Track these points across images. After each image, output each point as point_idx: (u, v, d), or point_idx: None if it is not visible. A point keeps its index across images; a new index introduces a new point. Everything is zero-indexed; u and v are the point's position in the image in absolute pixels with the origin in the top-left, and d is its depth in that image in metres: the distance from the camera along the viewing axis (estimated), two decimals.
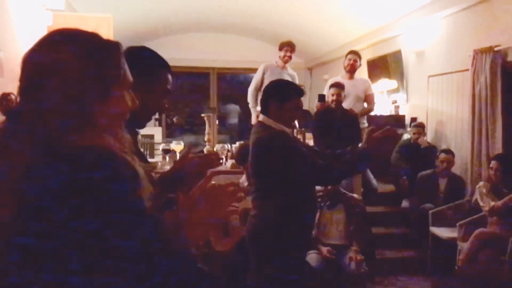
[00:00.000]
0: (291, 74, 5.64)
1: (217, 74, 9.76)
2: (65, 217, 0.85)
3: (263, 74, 5.49)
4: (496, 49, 4.15)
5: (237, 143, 5.37)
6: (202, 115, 5.56)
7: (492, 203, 3.75)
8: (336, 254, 3.53)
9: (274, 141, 2.35)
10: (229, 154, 5.05)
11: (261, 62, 9.04)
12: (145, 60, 1.52)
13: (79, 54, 0.95)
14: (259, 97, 5.61)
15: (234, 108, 10.69)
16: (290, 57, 5.45)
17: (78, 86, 0.93)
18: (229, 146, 5.31)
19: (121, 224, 0.88)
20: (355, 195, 4.11)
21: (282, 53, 5.43)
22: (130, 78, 1.05)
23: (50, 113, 0.92)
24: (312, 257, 3.49)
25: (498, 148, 4.20)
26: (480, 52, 4.29)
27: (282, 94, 2.43)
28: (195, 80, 10.35)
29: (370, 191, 4.88)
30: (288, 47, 5.43)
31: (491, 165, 3.92)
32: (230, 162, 4.83)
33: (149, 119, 1.59)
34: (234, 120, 10.67)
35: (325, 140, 4.73)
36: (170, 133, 9.63)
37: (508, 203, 3.66)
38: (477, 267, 3.58)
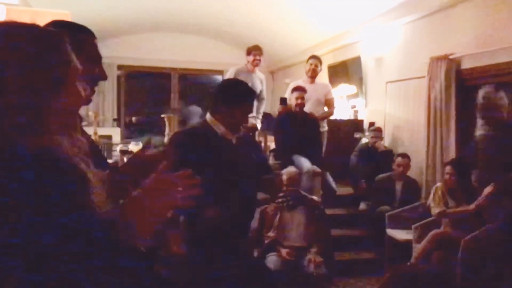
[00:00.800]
0: (260, 77, 5.69)
1: (179, 75, 9.65)
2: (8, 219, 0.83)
3: (234, 78, 5.49)
4: (451, 57, 4.31)
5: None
6: (162, 115, 5.48)
7: (440, 209, 3.89)
8: (295, 256, 3.55)
9: (176, 139, 2.35)
10: None
11: (223, 63, 9.09)
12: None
13: (22, 49, 0.90)
14: None
15: (195, 109, 10.59)
16: (259, 61, 5.51)
17: (25, 82, 0.89)
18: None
19: (65, 227, 0.85)
20: (315, 198, 4.15)
21: (251, 57, 5.47)
22: (79, 66, 1.00)
23: (3, 113, 0.88)
24: (271, 259, 3.50)
25: (452, 153, 4.35)
26: (436, 60, 4.44)
27: (234, 98, 2.34)
28: (156, 80, 10.19)
29: (330, 194, 4.96)
30: (257, 51, 5.48)
31: (446, 170, 4.04)
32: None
33: (92, 93, 1.47)
34: (195, 121, 10.54)
35: (285, 143, 4.76)
36: (128, 134, 9.42)
37: (463, 212, 3.80)
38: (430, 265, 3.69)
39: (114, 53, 8.11)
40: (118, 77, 9.27)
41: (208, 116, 2.39)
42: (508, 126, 4.14)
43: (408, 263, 3.94)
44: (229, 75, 5.57)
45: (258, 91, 5.63)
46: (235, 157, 2.35)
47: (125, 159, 4.61)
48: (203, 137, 2.30)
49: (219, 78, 10.03)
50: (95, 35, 1.51)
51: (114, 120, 8.88)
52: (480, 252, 3.58)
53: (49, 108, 0.92)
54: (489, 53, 3.93)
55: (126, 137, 8.74)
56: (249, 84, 5.71)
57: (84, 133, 1.59)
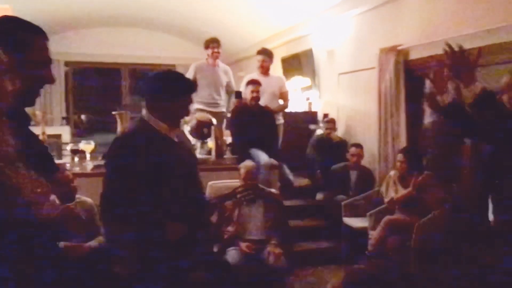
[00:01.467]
0: (225, 69, 5.64)
1: (129, 70, 9.41)
2: None
3: (195, 73, 5.41)
4: (399, 48, 4.43)
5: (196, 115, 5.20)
6: (114, 113, 5.31)
7: (391, 196, 4.04)
8: (255, 249, 3.55)
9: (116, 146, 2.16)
10: None
11: (175, 58, 8.95)
12: (11, 31, 1.35)
13: None
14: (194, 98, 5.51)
15: None
16: (218, 53, 5.47)
17: None
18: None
19: None
20: (273, 190, 4.17)
21: (209, 51, 5.43)
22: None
23: None
24: (231, 254, 3.48)
25: (402, 141, 4.49)
26: (385, 51, 4.56)
27: (171, 90, 2.18)
28: (106, 76, 9.89)
29: (287, 186, 4.99)
30: (214, 43, 5.43)
31: (397, 158, 4.17)
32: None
33: (36, 95, 1.42)
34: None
35: (242, 137, 4.75)
36: (79, 133, 9.11)
37: (405, 196, 3.97)
38: (385, 253, 3.80)
39: (61, 49, 7.79)
40: (66, 74, 8.93)
41: (145, 113, 2.23)
42: None
43: (366, 252, 4.05)
44: (190, 71, 5.48)
45: (224, 83, 5.58)
46: (181, 156, 2.24)
47: (76, 159, 4.45)
48: (146, 139, 2.12)
49: None
50: (46, 36, 1.43)
51: (63, 118, 8.54)
52: (430, 237, 3.74)
53: None
54: (435, 44, 4.07)
55: (77, 135, 8.45)
56: (212, 77, 5.66)
57: (30, 134, 1.51)
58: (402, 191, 4.04)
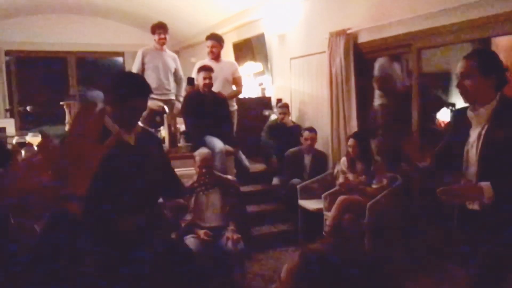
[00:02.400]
0: (172, 56, 5.55)
1: (77, 58, 9.06)
2: None
3: (143, 59, 5.32)
4: (348, 32, 4.51)
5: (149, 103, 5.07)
6: (61, 103, 5.12)
7: (341, 180, 4.22)
8: (213, 236, 3.56)
9: None
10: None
11: (124, 45, 8.70)
12: None
13: None
14: None
15: (97, 94, 10.06)
16: (165, 39, 5.39)
17: None
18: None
19: None
20: (229, 177, 4.18)
21: (156, 36, 5.35)
22: None
23: None
24: (190, 241, 3.48)
25: (353, 125, 4.60)
26: (335, 35, 4.63)
27: (121, 92, 2.12)
28: (51, 65, 9.47)
29: (243, 172, 5.02)
30: (160, 29, 5.34)
31: (348, 143, 4.27)
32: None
33: None
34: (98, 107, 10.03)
35: (196, 124, 4.71)
36: (24, 125, 8.71)
37: (354, 183, 4.15)
38: (341, 233, 3.92)
39: (1, 37, 7.38)
40: (7, 64, 8.47)
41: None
42: (401, 95, 4.48)
43: (323, 233, 4.15)
44: (137, 57, 5.38)
45: (172, 69, 5.49)
46: (134, 161, 2.17)
47: (24, 152, 4.26)
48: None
49: (120, 60, 9.60)
50: None
51: (7, 110, 8.13)
52: (382, 215, 3.89)
53: None
54: (382, 27, 4.18)
55: (22, 128, 8.07)
56: (159, 63, 5.54)
57: None
58: (351, 177, 4.18)
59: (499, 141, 2.10)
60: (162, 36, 5.35)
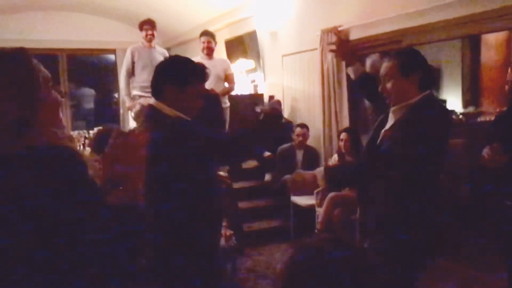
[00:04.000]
0: (162, 52, 5.53)
1: (67, 56, 9.00)
2: (42, 203, 0.99)
3: (132, 57, 5.31)
4: (339, 28, 4.53)
5: (95, 129, 5.06)
6: None
7: None
8: None
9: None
10: (87, 141, 4.74)
11: (115, 42, 8.66)
12: None
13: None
14: (132, 83, 5.35)
15: (88, 92, 10.01)
16: (152, 35, 5.36)
17: (6, 105, 1.03)
18: (86, 132, 4.98)
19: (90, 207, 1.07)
20: (221, 173, 4.19)
21: (143, 33, 5.32)
22: (48, 75, 1.15)
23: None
24: None
25: (345, 120, 4.63)
26: (326, 32, 4.65)
27: (182, 76, 1.98)
28: (42, 62, 9.38)
29: (235, 168, 5.03)
30: (147, 25, 5.32)
31: (341, 137, 4.30)
32: (88, 149, 4.53)
33: None
34: (89, 105, 10.00)
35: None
36: None
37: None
38: (333, 229, 3.95)
39: None
40: None
41: (154, 101, 2.01)
42: None
43: (316, 230, 4.18)
44: (126, 55, 5.36)
45: None
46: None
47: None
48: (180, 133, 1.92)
49: (111, 57, 9.56)
50: None
51: None
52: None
53: (35, 115, 1.06)
54: (373, 24, 4.21)
55: None
56: (149, 60, 5.50)
57: None
58: None
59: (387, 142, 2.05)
60: (150, 32, 5.33)
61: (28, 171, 1.01)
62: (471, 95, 6.79)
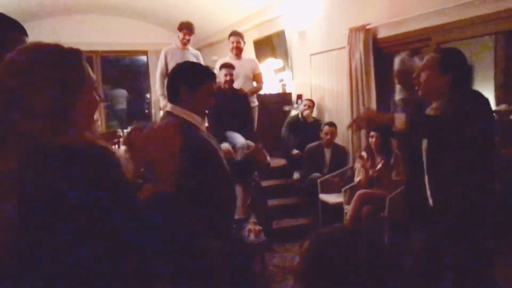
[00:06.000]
0: (194, 53, 5.65)
1: (101, 58, 9.28)
2: (82, 203, 1.01)
3: (165, 58, 5.46)
4: (368, 27, 4.54)
5: (129, 128, 5.22)
6: None
7: (358, 179, 4.28)
8: (235, 228, 3.66)
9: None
10: (121, 140, 4.90)
11: (148, 44, 8.88)
12: None
13: (45, 74, 1.07)
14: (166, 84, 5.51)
15: (121, 92, 10.29)
16: (188, 40, 5.49)
17: (50, 98, 1.06)
18: (121, 131, 5.15)
19: (125, 202, 1.08)
20: None
21: (181, 35, 5.45)
22: (94, 77, 1.20)
23: (32, 121, 1.03)
24: None
25: None
26: (354, 30, 4.67)
27: (194, 78, 2.07)
28: None
29: (264, 166, 5.08)
30: (186, 29, 5.44)
31: (371, 134, 4.30)
32: (123, 148, 4.68)
33: None
34: (122, 105, 10.28)
35: (218, 120, 4.80)
36: None
37: (367, 178, 4.22)
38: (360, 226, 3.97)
39: (29, 38, 7.60)
40: None
41: (170, 106, 2.10)
42: None
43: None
44: (160, 57, 5.51)
45: None
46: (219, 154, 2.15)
47: None
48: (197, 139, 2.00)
49: (143, 58, 9.78)
50: (26, 32, 1.50)
51: None
52: (402, 208, 3.92)
53: (73, 115, 1.09)
54: (401, 22, 4.20)
55: None
56: (181, 61, 5.59)
57: None
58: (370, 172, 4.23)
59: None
60: (187, 37, 5.46)
61: (64, 170, 1.01)
62: (504, 93, 6.64)
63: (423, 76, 2.19)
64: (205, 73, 2.14)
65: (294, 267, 0.96)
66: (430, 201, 2.23)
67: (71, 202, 1.00)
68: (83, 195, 1.01)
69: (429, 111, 2.25)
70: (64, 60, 1.12)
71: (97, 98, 1.20)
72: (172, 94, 2.11)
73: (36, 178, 0.99)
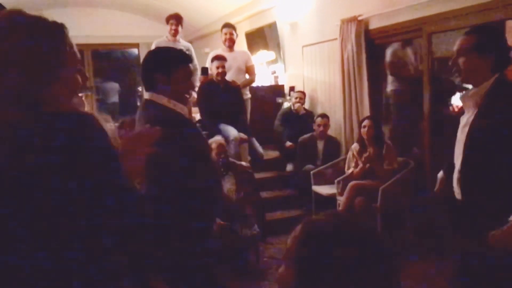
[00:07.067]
0: (186, 45, 5.61)
1: (92, 51, 9.20)
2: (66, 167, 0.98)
3: None
4: (359, 18, 4.53)
5: (120, 121, 5.20)
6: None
7: (351, 170, 4.28)
8: (229, 220, 3.67)
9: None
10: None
11: (139, 36, 8.81)
12: None
13: (25, 44, 1.03)
14: None
15: (113, 85, 10.22)
16: (176, 30, 5.46)
17: (27, 73, 1.01)
18: (113, 125, 5.11)
19: (107, 171, 1.04)
20: (243, 163, 4.27)
21: (169, 27, 5.44)
22: (78, 55, 1.15)
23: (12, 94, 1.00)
24: None
25: (366, 109, 4.63)
26: (346, 22, 4.66)
27: (167, 64, 2.00)
28: None
29: (257, 159, 5.10)
30: (173, 19, 5.42)
31: (363, 124, 4.29)
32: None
33: None
34: (114, 98, 10.21)
35: (210, 113, 4.80)
36: None
37: (362, 170, 4.20)
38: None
39: None
40: None
41: (149, 94, 2.03)
42: (415, 80, 4.49)
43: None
44: (152, 48, 5.47)
45: None
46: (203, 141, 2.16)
47: None
48: (174, 125, 1.91)
49: (134, 51, 9.71)
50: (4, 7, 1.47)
51: None
52: (394, 199, 3.95)
53: (51, 92, 1.04)
54: (393, 13, 4.20)
55: None
56: None
57: None
58: (360, 165, 4.25)
59: (484, 130, 1.90)
60: (174, 27, 5.45)
61: (37, 137, 0.96)
62: None
63: (461, 61, 1.96)
64: (177, 56, 2.07)
65: (285, 251, 0.94)
66: (459, 196, 2.05)
67: (49, 172, 0.97)
68: (61, 163, 0.97)
69: (466, 99, 2.02)
70: (44, 35, 1.08)
71: (80, 78, 1.16)
72: (148, 85, 2.05)
73: (9, 153, 0.96)
